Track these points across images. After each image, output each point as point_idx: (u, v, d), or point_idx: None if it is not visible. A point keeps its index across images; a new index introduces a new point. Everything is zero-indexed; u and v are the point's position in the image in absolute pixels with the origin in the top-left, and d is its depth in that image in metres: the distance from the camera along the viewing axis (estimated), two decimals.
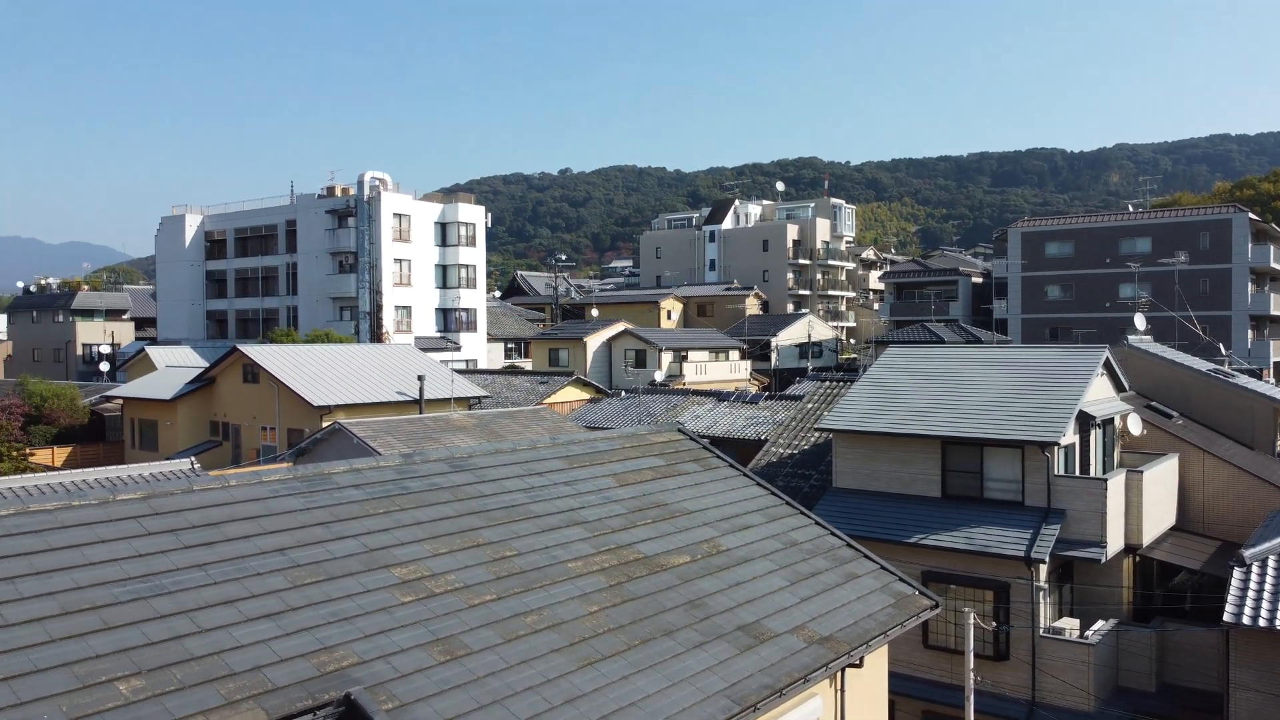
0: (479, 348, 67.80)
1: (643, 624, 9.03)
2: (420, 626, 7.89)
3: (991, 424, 20.29)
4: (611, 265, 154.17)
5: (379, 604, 8.00)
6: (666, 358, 59.40)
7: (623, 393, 43.62)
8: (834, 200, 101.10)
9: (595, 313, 72.26)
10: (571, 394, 45.18)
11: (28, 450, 38.48)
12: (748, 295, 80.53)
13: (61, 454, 44.00)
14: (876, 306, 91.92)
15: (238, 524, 8.48)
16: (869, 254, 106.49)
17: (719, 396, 35.71)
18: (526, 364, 66.92)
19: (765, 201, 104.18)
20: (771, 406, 32.63)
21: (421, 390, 36.71)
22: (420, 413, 34.57)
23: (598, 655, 8.32)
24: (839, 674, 10.52)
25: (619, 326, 62.12)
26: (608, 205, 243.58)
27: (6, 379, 61.38)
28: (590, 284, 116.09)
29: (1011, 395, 21.21)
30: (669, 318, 78.25)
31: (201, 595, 7.42)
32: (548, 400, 42.73)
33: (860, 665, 10.58)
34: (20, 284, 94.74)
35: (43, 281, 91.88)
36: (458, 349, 64.51)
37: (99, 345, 75.12)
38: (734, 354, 64.87)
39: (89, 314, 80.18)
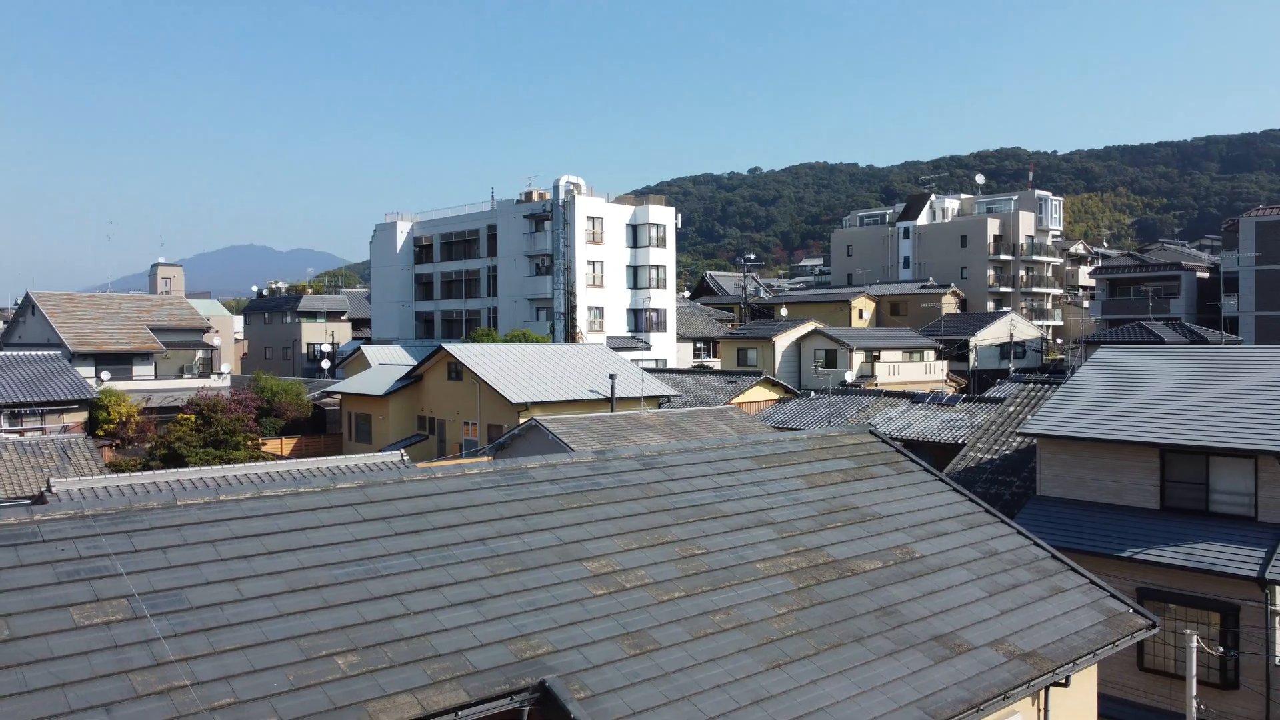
0: (668, 347, 68.58)
1: (832, 628, 8.88)
2: (611, 619, 8.08)
3: (1219, 431, 18.65)
4: (801, 264, 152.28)
5: (572, 596, 8.25)
6: (858, 358, 58.07)
7: (812, 393, 43.01)
8: (1039, 192, 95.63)
9: (784, 312, 71.56)
10: (760, 394, 44.95)
11: (260, 440, 42.11)
12: (944, 293, 77.55)
13: (288, 444, 47.83)
14: (1086, 304, 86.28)
15: (443, 514, 8.96)
16: (1078, 248, 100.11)
17: (913, 398, 34.58)
18: (715, 363, 67.10)
19: (963, 195, 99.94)
20: (969, 409, 31.28)
21: (613, 389, 37.53)
22: (612, 410, 35.35)
23: (786, 657, 8.25)
24: (1042, 693, 9.96)
25: (808, 326, 61.28)
26: (797, 203, 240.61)
27: (242, 375, 67.39)
28: (779, 283, 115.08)
29: (1243, 400, 19.42)
30: (860, 317, 76.48)
31: (410, 580, 7.89)
32: (736, 400, 42.70)
33: (1066, 685, 9.98)
34: (254, 288, 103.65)
35: (273, 286, 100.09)
36: (648, 348, 65.48)
37: (321, 344, 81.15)
38: (929, 354, 62.64)
39: (312, 315, 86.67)
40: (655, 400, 39.74)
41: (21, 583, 6.72)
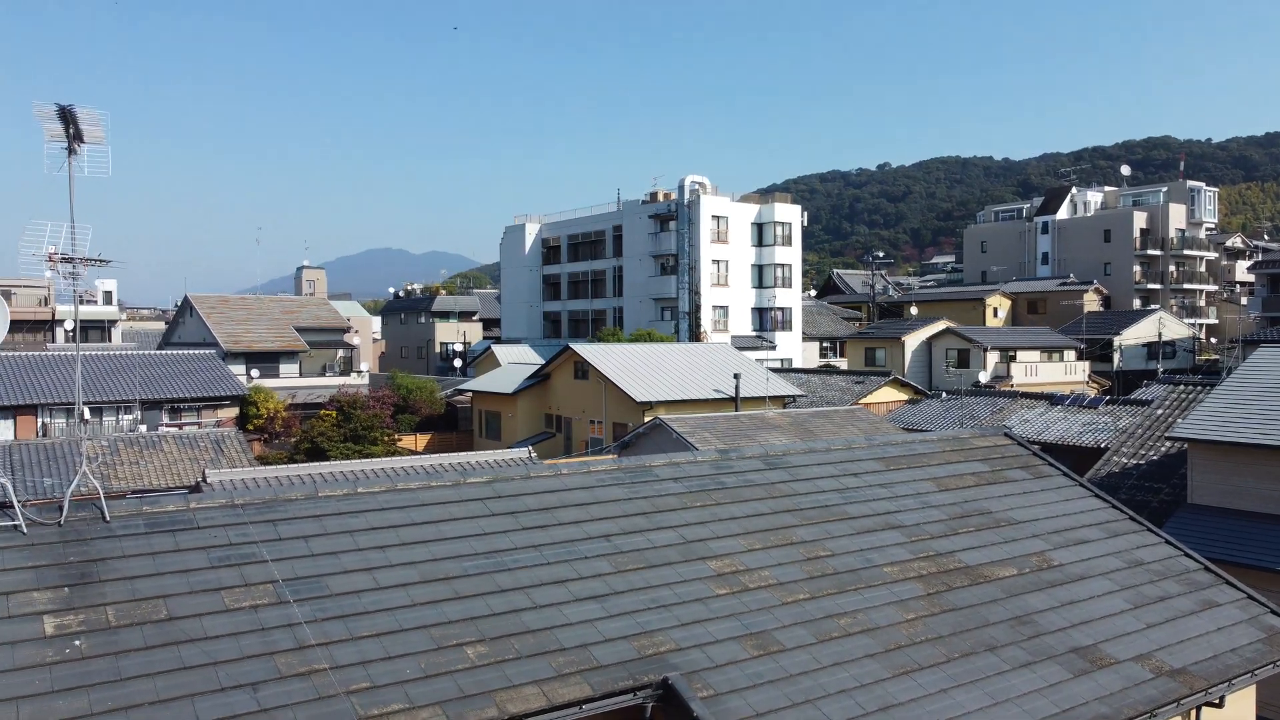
0: (794, 346, 67.82)
1: (963, 636, 8.60)
2: (734, 619, 8.04)
3: None
4: (932, 262, 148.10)
5: (695, 594, 8.25)
6: (992, 358, 56.09)
7: (943, 394, 41.80)
8: (1191, 183, 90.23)
9: (914, 311, 69.80)
10: (888, 394, 43.97)
11: (396, 436, 43.71)
12: (1086, 290, 74.08)
13: (422, 440, 49.49)
14: (1244, 301, 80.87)
15: (568, 510, 9.10)
16: (1235, 242, 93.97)
17: (1051, 400, 33.18)
18: (842, 363, 66.00)
19: (1107, 188, 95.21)
20: (1113, 411, 29.80)
21: (737, 388, 37.36)
22: (736, 410, 35.19)
23: (914, 664, 8.03)
24: (1193, 712, 9.39)
25: (940, 325, 59.55)
26: (928, 199, 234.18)
27: (380, 373, 70.08)
28: (909, 281, 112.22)
29: None
30: (995, 315, 73.83)
31: (536, 574, 8.04)
32: (863, 400, 41.88)
33: (1220, 705, 9.38)
34: (391, 290, 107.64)
35: (409, 287, 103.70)
36: (773, 348, 64.92)
37: (453, 344, 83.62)
38: (1069, 354, 59.96)
39: (445, 316, 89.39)
40: (780, 400, 39.36)
41: (178, 566, 7.16)
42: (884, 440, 12.53)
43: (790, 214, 68.84)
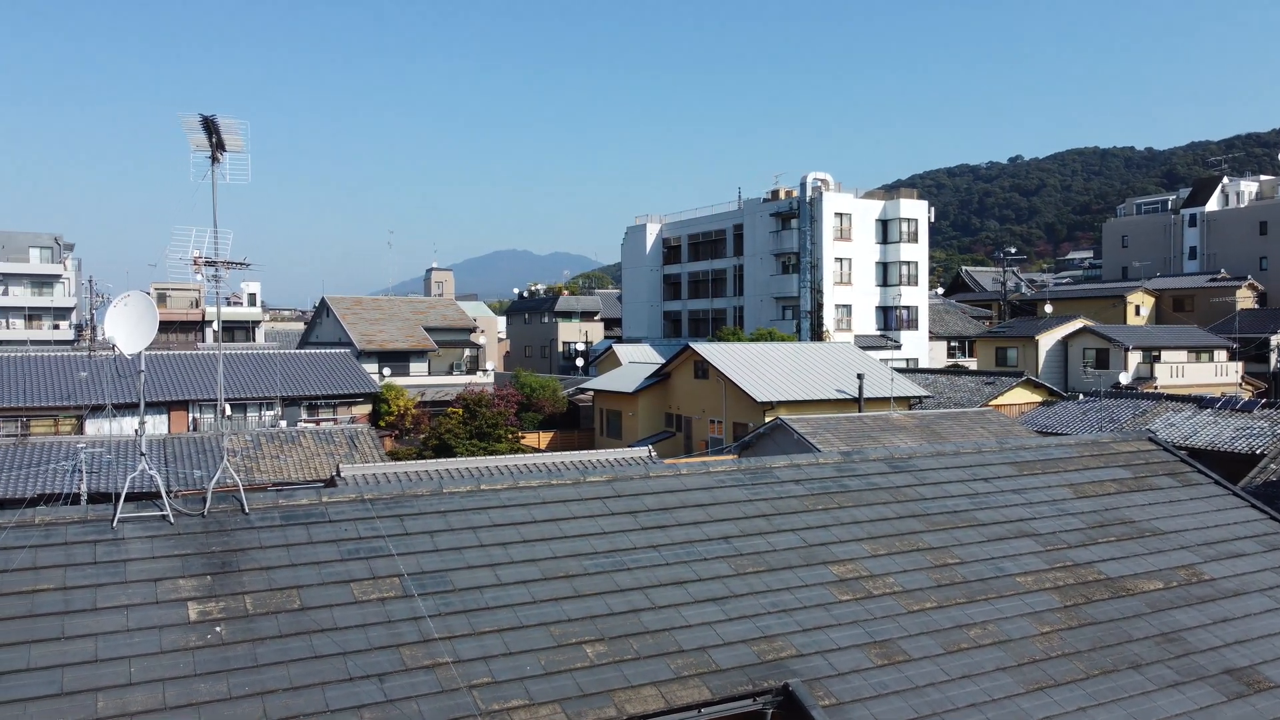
0: (920, 346, 66.06)
1: (1104, 652, 8.14)
2: (858, 626, 7.82)
3: None
4: (1068, 257, 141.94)
5: (817, 599, 8.07)
6: (1134, 358, 53.30)
7: (1080, 396, 39.96)
8: None
9: (1049, 309, 66.98)
10: (1021, 396, 42.32)
11: (520, 433, 44.58)
12: (1238, 287, 69.59)
13: (545, 438, 50.32)
14: None
15: (688, 510, 9.03)
16: None
17: (1200, 402, 31.28)
18: (971, 363, 63.89)
19: (1263, 177, 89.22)
20: (1270, 415, 27.89)
21: (860, 388, 36.61)
22: (859, 411, 34.48)
23: (1050, 680, 7.64)
24: None
25: (1076, 324, 56.96)
26: (1064, 192, 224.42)
27: (504, 372, 71.65)
28: (1043, 278, 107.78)
29: None
30: (1137, 314, 70.17)
31: (656, 574, 8.01)
32: (994, 402, 40.42)
33: None
34: (515, 290, 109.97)
35: (532, 288, 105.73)
36: (898, 347, 63.41)
37: (575, 343, 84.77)
38: (1220, 354, 56.45)
39: (568, 315, 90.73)
40: (906, 401, 38.38)
41: (311, 558, 7.43)
42: (1017, 444, 12.01)
43: (916, 210, 67.08)
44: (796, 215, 65.36)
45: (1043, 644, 8.08)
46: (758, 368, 39.68)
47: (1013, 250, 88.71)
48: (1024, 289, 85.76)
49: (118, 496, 7.47)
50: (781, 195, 68.66)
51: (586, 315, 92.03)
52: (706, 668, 7.03)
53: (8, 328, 75.49)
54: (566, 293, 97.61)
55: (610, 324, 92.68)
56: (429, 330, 61.29)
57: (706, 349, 42.26)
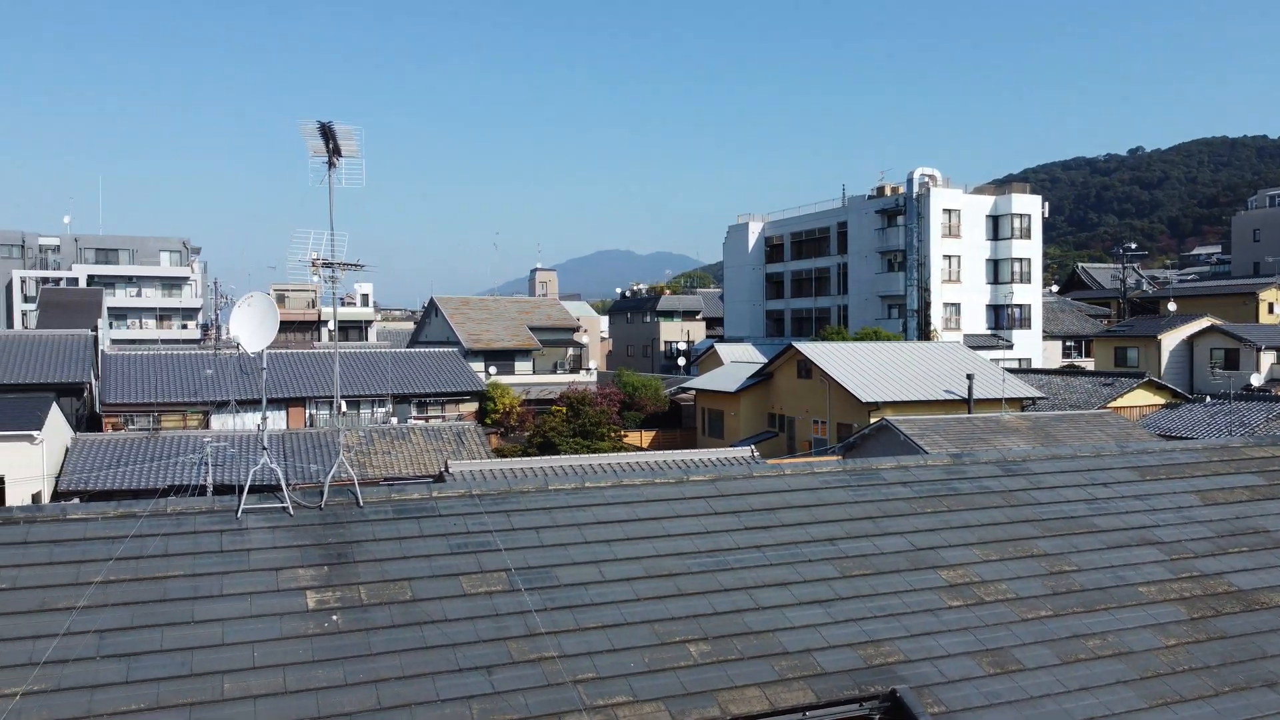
0: (1033, 346, 63.91)
1: (1234, 668, 7.72)
2: (968, 633, 7.61)
3: None
4: (1193, 253, 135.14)
5: (925, 604, 7.88)
6: (1267, 358, 50.42)
7: (1207, 398, 38.04)
8: None
9: (1172, 307, 63.93)
10: (1142, 397, 40.53)
11: (622, 432, 44.88)
12: None
13: (647, 437, 50.55)
14: None
15: (791, 511, 8.94)
16: None
17: None
18: (1088, 364, 61.48)
19: None
20: None
21: (970, 389, 35.63)
22: (969, 412, 33.58)
23: (1175, 695, 7.29)
24: None
25: (1202, 322, 54.21)
26: (1188, 185, 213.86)
27: (607, 371, 72.23)
28: (1165, 275, 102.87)
29: None
30: (1270, 312, 66.36)
31: (759, 575, 7.95)
32: (1113, 404, 38.82)
33: None
34: (618, 290, 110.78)
35: (635, 287, 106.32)
36: (1009, 347, 61.49)
37: (677, 342, 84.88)
38: None
39: (669, 315, 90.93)
40: (1018, 402, 37.19)
41: (422, 551, 7.63)
42: (1139, 448, 11.50)
43: (1029, 205, 64.93)
44: (903, 212, 64.03)
45: (1167, 657, 7.71)
46: (862, 367, 39.03)
47: (1133, 246, 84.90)
48: (1145, 286, 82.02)
49: (241, 489, 7.82)
50: (887, 192, 67.36)
51: (688, 314, 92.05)
52: (811, 670, 6.94)
53: (140, 327, 79.80)
54: (668, 292, 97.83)
55: (712, 323, 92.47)
56: (533, 329, 62.26)
57: (810, 348, 41.79)
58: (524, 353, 60.19)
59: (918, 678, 7.02)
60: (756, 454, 25.36)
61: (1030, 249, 64.72)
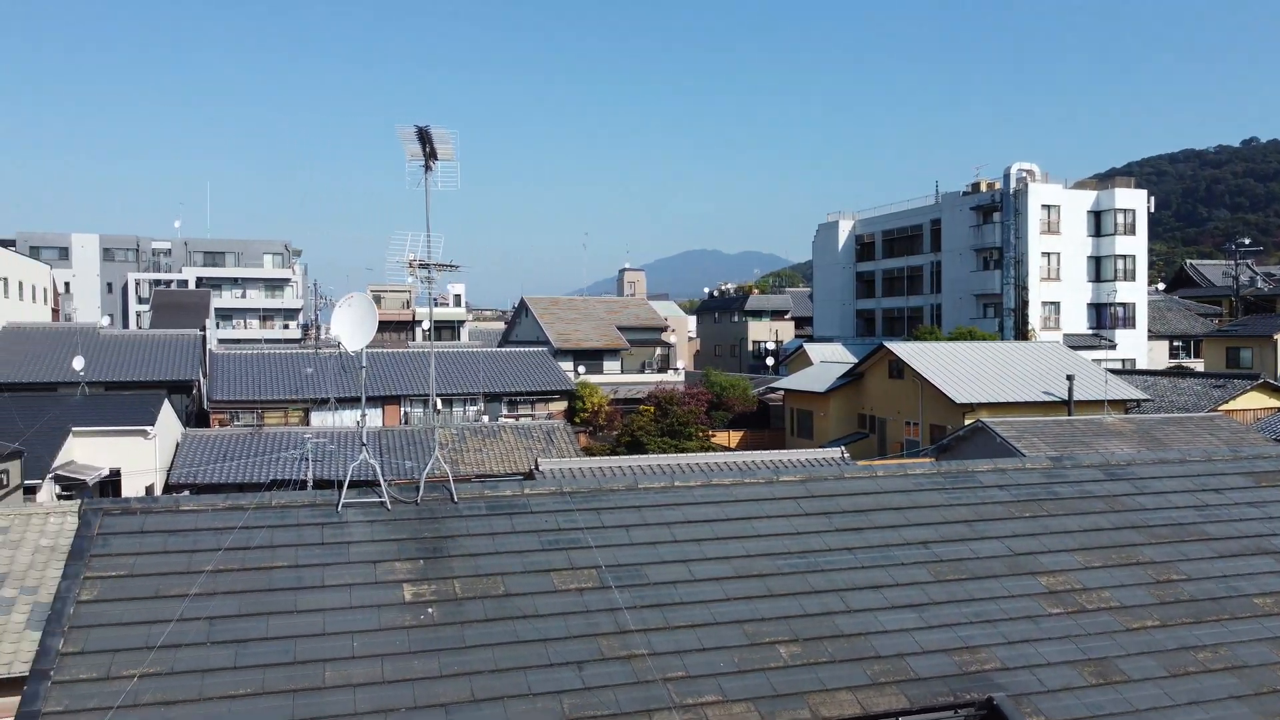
0: (1137, 345, 61.57)
1: None
2: (1069, 642, 7.38)
3: None
4: None
5: (1023, 611, 7.67)
6: None
7: None
8: None
9: None
10: (1256, 400, 38.65)
11: (710, 432, 44.80)
12: None
13: (735, 437, 50.34)
14: None
15: (884, 513, 8.80)
16: None
17: None
18: (1197, 364, 58.95)
19: None
20: None
21: (1070, 390, 34.52)
22: (1069, 414, 32.54)
23: None
24: None
25: None
26: None
27: (694, 371, 72.17)
28: None
29: None
30: None
31: (850, 577, 7.85)
32: (1224, 406, 37.12)
33: None
34: (705, 290, 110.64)
35: (722, 287, 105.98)
36: (1112, 347, 59.37)
37: (765, 342, 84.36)
38: None
39: (757, 314, 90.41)
40: (1121, 404, 35.88)
41: (514, 547, 7.75)
42: (1253, 452, 10.98)
43: (1133, 199, 62.58)
44: (999, 208, 62.40)
45: None
46: (956, 368, 38.17)
47: (1246, 241, 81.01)
48: (1259, 283, 78.16)
49: (341, 484, 8.06)
50: (983, 188, 65.73)
51: (776, 314, 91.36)
52: (904, 675, 6.82)
53: (245, 327, 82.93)
54: (756, 291, 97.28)
55: (801, 323, 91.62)
56: (621, 329, 62.60)
57: (902, 348, 41.06)
58: (612, 352, 60.57)
59: (1016, 686, 6.84)
60: (847, 455, 25.03)
61: (1134, 245, 62.39)
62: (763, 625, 7.16)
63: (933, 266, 69.38)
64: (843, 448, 26.47)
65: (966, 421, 31.88)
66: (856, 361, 45.75)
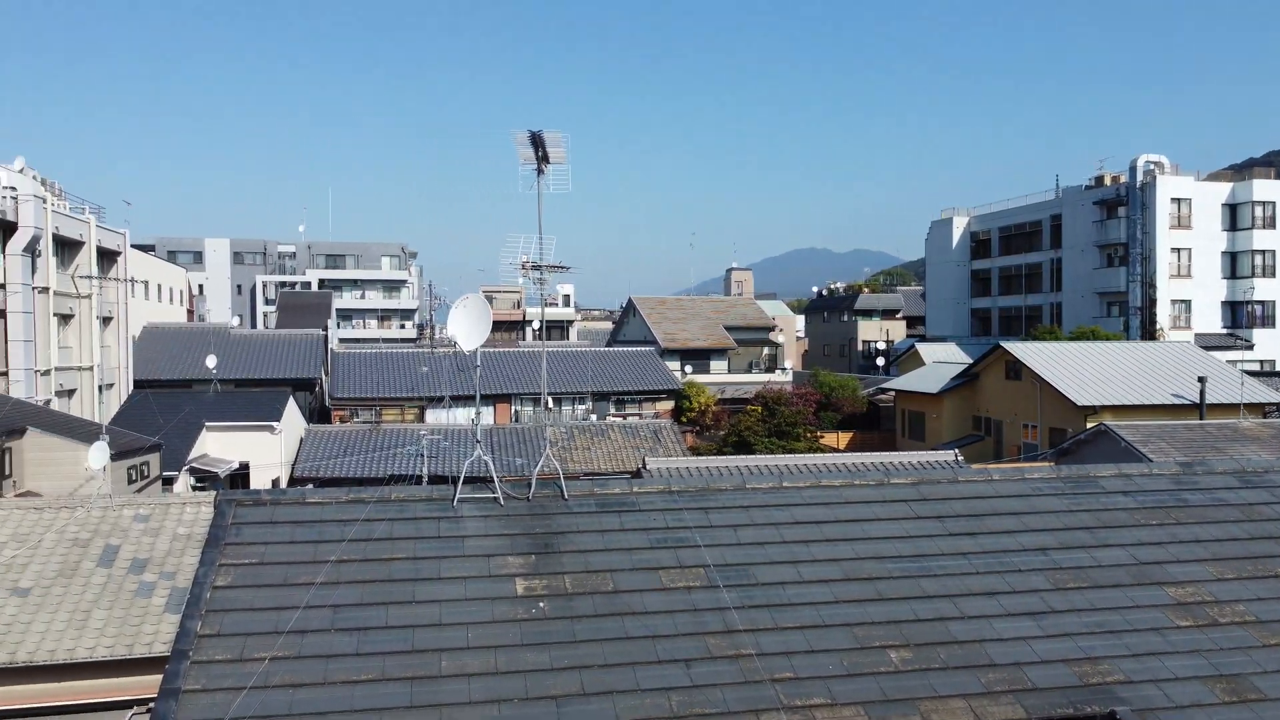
0: (1278, 346, 58.11)
1: None
2: (1199, 656, 7.05)
3: None
4: None
5: (1149, 622, 7.37)
6: None
7: None
8: None
9: None
10: None
11: (818, 433, 44.27)
12: None
13: (844, 438, 49.62)
14: None
15: (999, 518, 8.57)
16: None
17: None
18: None
19: None
20: None
21: (1202, 393, 32.84)
22: (1200, 418, 30.96)
23: None
24: None
25: None
26: None
27: (802, 371, 71.39)
28: None
29: None
30: None
31: (964, 582, 7.67)
32: None
33: None
34: (814, 289, 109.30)
35: (831, 286, 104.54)
36: (1249, 347, 56.19)
37: (875, 342, 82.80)
38: None
39: (868, 314, 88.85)
40: (1259, 408, 33.96)
41: (623, 544, 7.84)
42: None
43: (1273, 191, 59.13)
44: (1125, 202, 59.79)
45: None
46: (1077, 369, 36.77)
47: None
48: None
49: (456, 479, 8.30)
50: (1107, 181, 63.12)
51: (887, 313, 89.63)
52: (1020, 685, 6.64)
53: (363, 327, 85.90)
54: (866, 290, 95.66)
55: (912, 322, 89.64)
56: (728, 329, 62.41)
57: (1019, 348, 39.79)
58: (719, 352, 60.45)
59: (1140, 700, 6.58)
60: (961, 458, 24.41)
61: (1274, 240, 58.92)
62: (873, 629, 7.07)
63: (1052, 264, 66.97)
64: (956, 450, 25.82)
65: (1088, 425, 30.70)
66: (971, 362, 44.55)
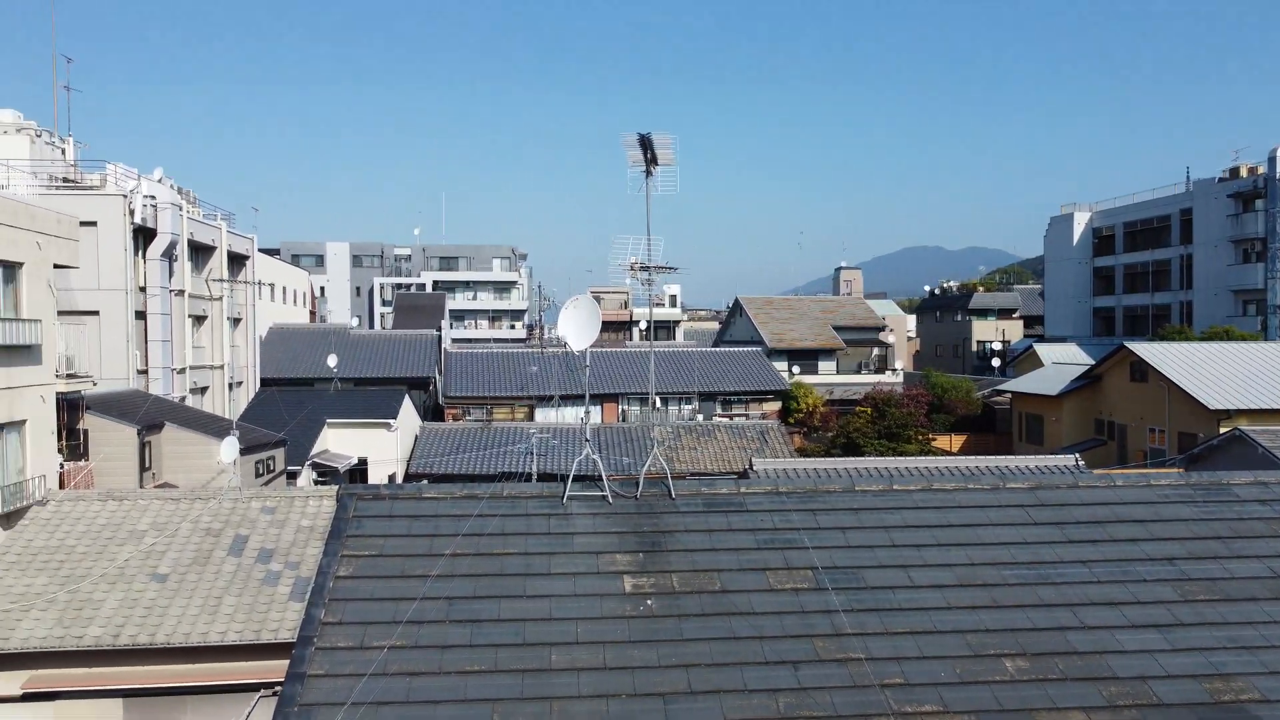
0: None
1: None
2: None
3: None
4: None
5: None
6: None
7: None
8: None
9: None
10: None
11: (930, 435, 43.25)
12: None
13: (957, 440, 48.31)
14: None
15: (1123, 525, 8.25)
16: None
17: None
18: None
19: None
20: None
21: None
22: None
23: None
24: None
25: None
26: None
27: (914, 371, 69.80)
28: None
29: None
30: None
31: (1084, 591, 7.42)
32: None
33: None
34: (926, 288, 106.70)
35: (944, 285, 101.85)
36: None
37: (991, 342, 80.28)
38: None
39: (982, 313, 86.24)
40: None
41: (730, 544, 7.85)
42: None
43: None
44: (1262, 195, 56.49)
45: None
46: (1209, 370, 34.95)
47: None
48: None
49: (565, 477, 8.45)
50: (1243, 173, 59.72)
51: (1003, 313, 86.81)
52: (1145, 699, 6.38)
53: (475, 327, 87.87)
54: (981, 289, 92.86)
55: (1030, 322, 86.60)
56: (837, 329, 61.53)
57: (1145, 349, 38.05)
58: (827, 352, 59.65)
59: (1276, 718, 6.24)
60: (1082, 463, 23.50)
61: None
62: (987, 636, 6.91)
63: (1182, 260, 63.78)
64: (1077, 455, 24.87)
65: (1221, 430, 29.15)
66: (1093, 363, 42.81)
